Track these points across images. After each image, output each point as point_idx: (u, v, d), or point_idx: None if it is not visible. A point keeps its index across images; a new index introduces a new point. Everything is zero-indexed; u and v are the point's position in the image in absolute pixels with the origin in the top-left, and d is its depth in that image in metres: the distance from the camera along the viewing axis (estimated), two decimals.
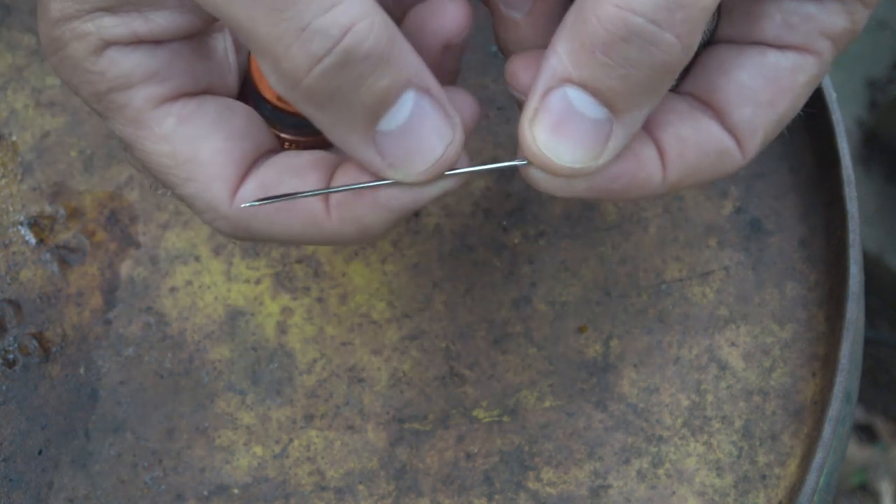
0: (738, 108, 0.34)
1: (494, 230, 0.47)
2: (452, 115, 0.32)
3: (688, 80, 0.36)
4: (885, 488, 1.19)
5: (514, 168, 0.34)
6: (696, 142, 0.34)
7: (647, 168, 0.33)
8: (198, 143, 0.33)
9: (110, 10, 0.31)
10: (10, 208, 0.47)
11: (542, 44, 0.33)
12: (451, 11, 0.33)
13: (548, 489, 0.43)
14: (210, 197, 0.33)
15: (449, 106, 0.31)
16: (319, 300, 0.45)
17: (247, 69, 0.38)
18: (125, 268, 0.46)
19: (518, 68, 0.34)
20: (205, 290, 0.46)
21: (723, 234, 0.47)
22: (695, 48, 0.30)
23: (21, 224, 0.47)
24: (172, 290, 0.46)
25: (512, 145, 0.48)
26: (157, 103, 0.33)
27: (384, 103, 0.30)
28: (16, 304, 0.45)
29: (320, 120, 0.31)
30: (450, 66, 0.35)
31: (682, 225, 0.47)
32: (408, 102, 0.30)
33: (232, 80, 0.37)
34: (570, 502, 0.43)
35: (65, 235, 0.46)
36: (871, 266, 1.18)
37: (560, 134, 0.31)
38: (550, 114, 0.31)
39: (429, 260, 0.46)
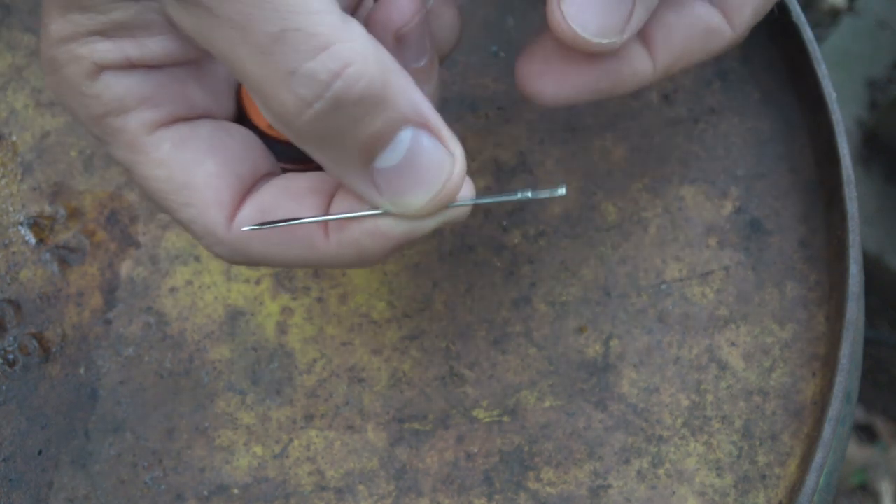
0: None
1: (494, 230, 0.47)
2: (452, 148, 0.31)
3: None
4: (885, 488, 1.19)
5: (518, 200, 0.34)
6: (681, 25, 0.36)
7: (632, 61, 0.35)
8: (193, 168, 0.33)
9: (104, 34, 0.31)
10: (10, 208, 0.47)
11: None
12: (398, 4, 0.33)
13: (548, 489, 0.43)
14: (207, 221, 0.33)
15: (449, 138, 0.31)
16: (319, 300, 0.46)
17: (238, 96, 0.37)
18: (125, 268, 0.46)
19: None
20: (205, 290, 0.46)
21: (723, 234, 0.47)
22: None
23: (21, 224, 0.47)
24: (172, 290, 0.46)
25: (511, 146, 0.48)
26: (152, 128, 0.33)
27: (380, 143, 0.30)
28: (16, 304, 0.45)
29: (316, 155, 0.31)
30: (412, 55, 0.35)
31: (682, 225, 0.47)
32: (405, 139, 0.30)
33: (231, 104, 0.36)
34: (570, 502, 0.43)
35: (65, 235, 0.46)
36: (871, 266, 1.18)
37: (587, 8, 0.33)
38: None
39: (429, 260, 0.46)
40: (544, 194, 0.34)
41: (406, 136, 0.30)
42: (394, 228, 0.32)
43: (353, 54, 0.28)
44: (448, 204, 0.32)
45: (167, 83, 0.33)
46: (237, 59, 0.29)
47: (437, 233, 0.47)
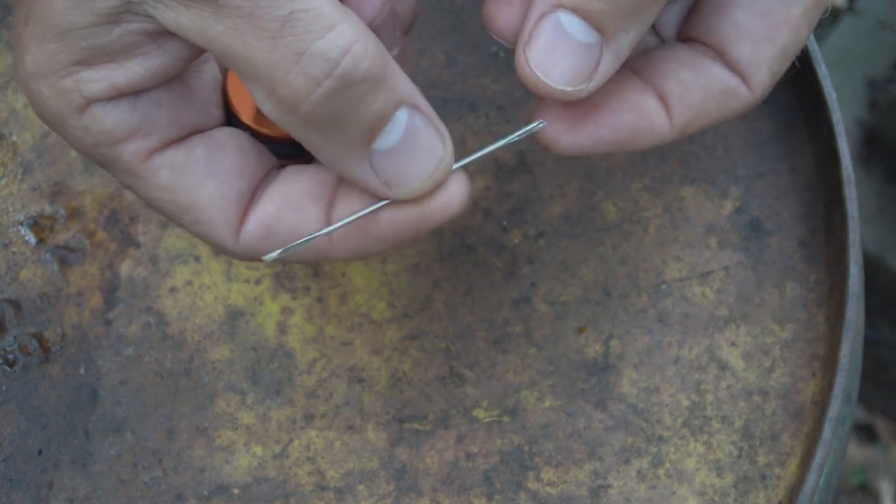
0: (737, 45, 0.35)
1: (494, 230, 0.47)
2: (442, 130, 0.32)
3: (689, 26, 0.37)
4: (885, 488, 1.19)
5: (502, 147, 0.35)
6: (698, 83, 0.35)
7: (648, 116, 0.35)
8: (195, 192, 0.33)
9: (88, 63, 0.31)
10: (10, 208, 0.47)
11: None
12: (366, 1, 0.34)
13: (548, 489, 0.43)
14: (216, 237, 0.34)
15: (438, 121, 0.32)
16: (319, 300, 0.46)
17: (224, 98, 0.37)
18: (125, 268, 0.46)
19: (495, 12, 0.35)
20: (205, 290, 0.46)
21: (723, 234, 0.47)
22: None
23: (21, 224, 0.47)
24: (172, 290, 0.46)
25: (511, 146, 0.48)
26: (146, 156, 0.33)
27: (380, 123, 0.31)
28: (16, 304, 0.45)
29: (315, 143, 0.31)
30: (385, 46, 0.36)
31: (682, 225, 0.47)
32: (401, 120, 0.31)
33: (218, 110, 0.37)
34: (570, 502, 0.43)
35: (65, 235, 0.46)
36: (871, 266, 1.18)
37: (552, 56, 0.32)
38: (543, 37, 0.32)
39: (429, 260, 0.46)
40: (525, 132, 0.35)
41: (402, 116, 0.31)
42: (395, 233, 0.33)
43: (357, 34, 0.29)
44: (440, 183, 0.32)
45: (154, 108, 0.33)
46: (243, 49, 0.29)
47: (437, 232, 0.47)
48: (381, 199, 0.33)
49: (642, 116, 0.35)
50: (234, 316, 0.45)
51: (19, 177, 0.47)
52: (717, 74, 0.35)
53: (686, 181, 0.48)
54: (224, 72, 0.37)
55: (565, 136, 0.35)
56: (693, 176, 0.48)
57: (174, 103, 0.33)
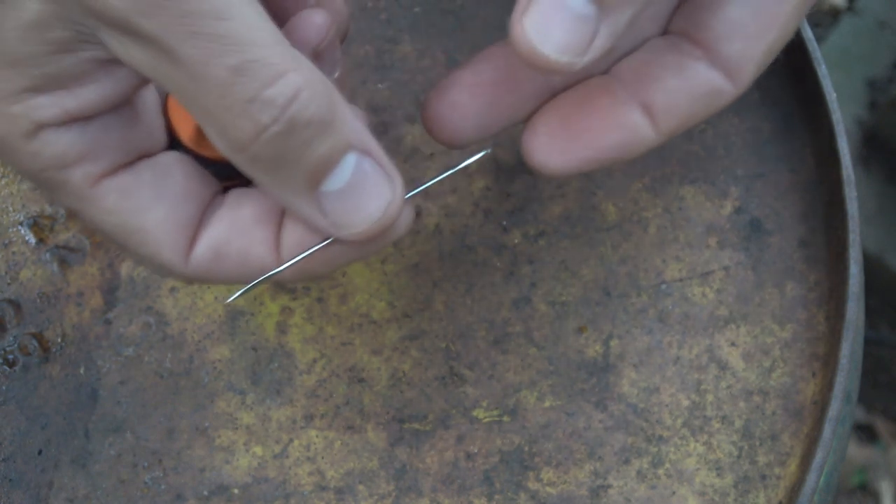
0: (728, 43, 0.35)
1: (494, 230, 0.47)
2: (392, 174, 0.33)
3: (679, 18, 0.37)
4: (885, 488, 1.19)
5: (448, 176, 0.36)
6: (684, 90, 0.35)
7: (635, 131, 0.35)
8: (142, 216, 0.33)
9: (39, 89, 0.30)
10: (10, 208, 0.47)
11: None
12: (313, 21, 0.35)
13: (548, 489, 0.43)
14: (163, 260, 0.34)
15: (388, 165, 0.33)
16: (319, 300, 0.46)
17: (166, 121, 0.37)
18: (125, 268, 0.46)
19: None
20: (205, 290, 0.46)
21: (723, 234, 0.47)
22: None
23: (21, 224, 0.47)
24: (172, 290, 0.46)
25: (511, 146, 0.48)
26: (95, 181, 0.33)
27: (327, 166, 0.31)
28: (16, 304, 0.45)
29: (265, 182, 0.32)
30: (328, 69, 0.36)
31: (682, 225, 0.47)
32: (349, 164, 0.32)
33: (163, 133, 0.37)
34: (570, 502, 0.43)
35: (65, 235, 0.46)
36: (871, 266, 1.18)
37: (548, 25, 0.32)
38: (541, 6, 0.32)
39: (429, 260, 0.46)
40: (470, 160, 0.36)
41: (351, 160, 0.32)
42: (341, 257, 0.34)
43: (305, 81, 0.30)
44: (390, 227, 0.33)
45: (104, 133, 0.33)
46: (196, 93, 0.29)
47: (437, 232, 0.47)
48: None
49: (629, 133, 0.35)
50: (234, 316, 0.45)
51: (19, 177, 0.47)
52: (702, 76, 0.35)
53: (686, 181, 0.48)
54: (164, 94, 0.37)
55: (554, 160, 0.35)
56: (693, 176, 0.48)
57: (123, 127, 0.33)
